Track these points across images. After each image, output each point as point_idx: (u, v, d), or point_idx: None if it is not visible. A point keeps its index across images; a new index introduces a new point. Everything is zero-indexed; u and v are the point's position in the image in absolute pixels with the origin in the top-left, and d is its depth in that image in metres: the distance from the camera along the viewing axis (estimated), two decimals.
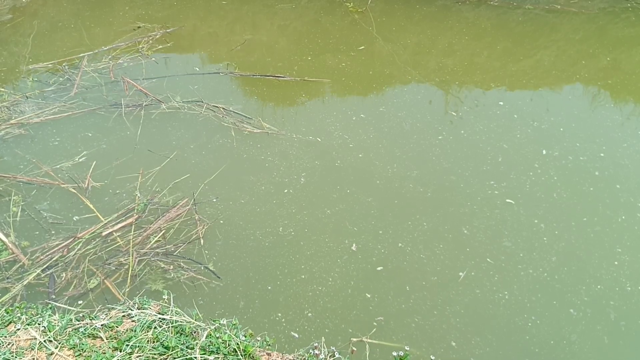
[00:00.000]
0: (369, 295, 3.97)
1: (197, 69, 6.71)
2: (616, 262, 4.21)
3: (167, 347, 2.86)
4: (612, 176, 4.99)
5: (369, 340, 3.64)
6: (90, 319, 3.12)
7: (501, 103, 5.98)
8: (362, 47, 7.08)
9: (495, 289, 4.03)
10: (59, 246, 4.23)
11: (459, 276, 4.11)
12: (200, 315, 3.16)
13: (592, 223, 4.54)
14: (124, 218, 4.50)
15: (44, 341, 2.91)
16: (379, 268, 4.17)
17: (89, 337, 2.98)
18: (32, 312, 3.22)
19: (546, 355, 3.63)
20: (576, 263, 4.22)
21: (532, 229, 4.49)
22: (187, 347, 2.88)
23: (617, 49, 7.13)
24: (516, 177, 4.98)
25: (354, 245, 4.34)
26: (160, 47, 7.04)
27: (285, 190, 4.83)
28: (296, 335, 3.69)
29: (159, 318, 3.07)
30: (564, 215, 4.60)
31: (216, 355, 2.85)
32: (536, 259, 4.24)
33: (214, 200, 4.66)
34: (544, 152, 5.25)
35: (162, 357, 2.82)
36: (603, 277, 4.11)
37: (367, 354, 3.48)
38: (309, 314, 3.84)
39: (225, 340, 2.93)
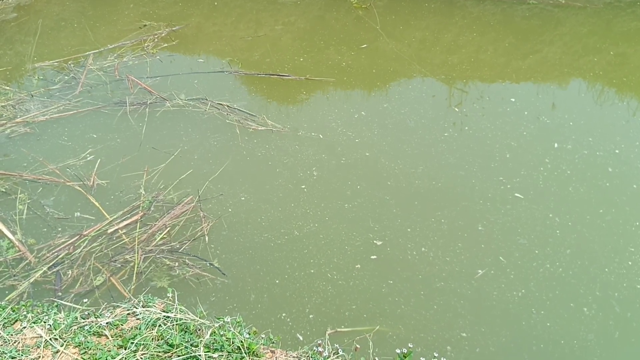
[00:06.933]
0: (384, 290, 3.97)
1: (202, 60, 6.72)
2: (630, 262, 4.18)
3: (171, 345, 2.87)
4: (625, 172, 4.94)
5: (378, 328, 3.64)
6: (96, 317, 3.13)
7: (513, 100, 5.93)
8: (365, 45, 7.05)
9: (511, 286, 4.01)
10: (65, 244, 4.25)
11: (477, 272, 4.09)
12: (204, 313, 3.16)
13: (605, 214, 4.51)
14: (129, 215, 4.51)
15: (50, 339, 2.93)
16: (373, 257, 4.16)
17: (94, 335, 2.99)
18: (38, 311, 3.23)
19: (558, 352, 3.61)
20: (588, 256, 4.19)
21: (545, 222, 4.46)
22: (191, 345, 2.88)
23: (624, 43, 7.06)
24: (528, 172, 4.94)
25: (377, 240, 4.34)
26: (166, 45, 7.04)
27: (303, 187, 4.83)
28: (300, 338, 3.69)
29: (164, 316, 3.08)
30: (577, 208, 4.58)
31: (220, 353, 2.85)
32: (550, 254, 4.22)
33: (242, 198, 4.66)
34: (556, 145, 5.22)
35: (166, 355, 2.83)
36: (615, 271, 4.08)
37: (371, 351, 3.47)
38: (310, 316, 3.84)
39: (229, 338, 2.93)
